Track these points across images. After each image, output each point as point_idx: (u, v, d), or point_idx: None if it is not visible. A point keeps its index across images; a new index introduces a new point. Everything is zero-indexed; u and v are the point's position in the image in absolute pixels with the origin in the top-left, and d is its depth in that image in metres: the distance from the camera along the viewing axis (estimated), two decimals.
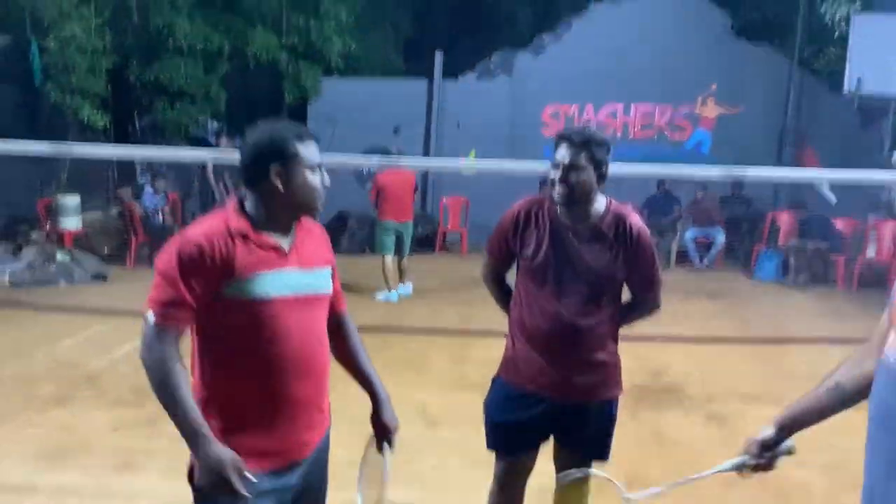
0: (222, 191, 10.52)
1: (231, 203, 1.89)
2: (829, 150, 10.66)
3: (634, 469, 3.85)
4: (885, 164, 11.05)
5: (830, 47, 12.13)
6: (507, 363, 2.58)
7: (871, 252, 9.31)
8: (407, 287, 8.05)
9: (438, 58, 11.55)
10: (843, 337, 6.60)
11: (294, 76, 11.45)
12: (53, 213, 9.28)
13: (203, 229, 1.79)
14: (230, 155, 9.64)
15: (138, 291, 7.20)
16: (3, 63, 10.28)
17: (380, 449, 2.13)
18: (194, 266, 1.75)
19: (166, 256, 1.78)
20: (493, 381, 2.64)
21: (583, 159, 2.32)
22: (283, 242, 1.87)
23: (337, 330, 2.09)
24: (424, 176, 11.53)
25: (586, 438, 2.55)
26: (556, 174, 2.37)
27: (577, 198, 2.37)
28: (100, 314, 6.75)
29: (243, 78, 12.13)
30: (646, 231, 2.48)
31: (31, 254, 8.25)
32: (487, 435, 2.61)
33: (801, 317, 7.51)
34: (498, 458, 2.62)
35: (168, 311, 1.76)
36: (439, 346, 6.10)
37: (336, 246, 9.05)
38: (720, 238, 10.14)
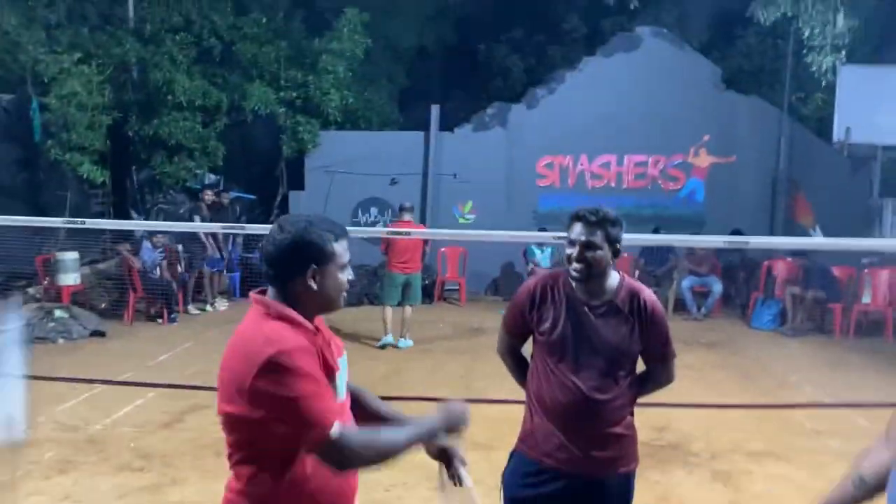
0: (213, 245, 10.55)
1: (273, 304, 1.82)
2: (821, 197, 10.82)
3: None
4: (874, 209, 11.26)
5: (818, 94, 12.41)
6: (526, 436, 2.60)
7: (866, 299, 9.39)
8: (407, 342, 8.13)
9: (434, 111, 11.73)
10: (845, 389, 6.66)
11: (292, 129, 11.58)
12: (52, 269, 9.29)
13: (296, 335, 1.75)
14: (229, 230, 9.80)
15: (137, 349, 7.24)
16: (4, 120, 10.39)
17: (453, 477, 2.10)
18: (318, 369, 1.74)
19: (297, 371, 1.68)
20: (511, 454, 2.65)
21: (599, 238, 2.42)
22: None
23: (353, 400, 2.04)
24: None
25: None
26: (573, 251, 2.45)
27: (593, 274, 2.45)
28: (100, 373, 6.71)
29: (241, 132, 12.29)
30: (660, 306, 2.57)
31: (29, 311, 8.22)
32: None
33: (801, 367, 7.52)
34: None
35: (338, 415, 1.74)
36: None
37: None
38: (717, 287, 10.20)
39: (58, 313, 8.26)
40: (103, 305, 9.86)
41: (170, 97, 10.89)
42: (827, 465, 4.84)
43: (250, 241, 11.58)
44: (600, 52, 11.81)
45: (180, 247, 10.80)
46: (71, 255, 9.34)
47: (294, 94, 11.62)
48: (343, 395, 1.85)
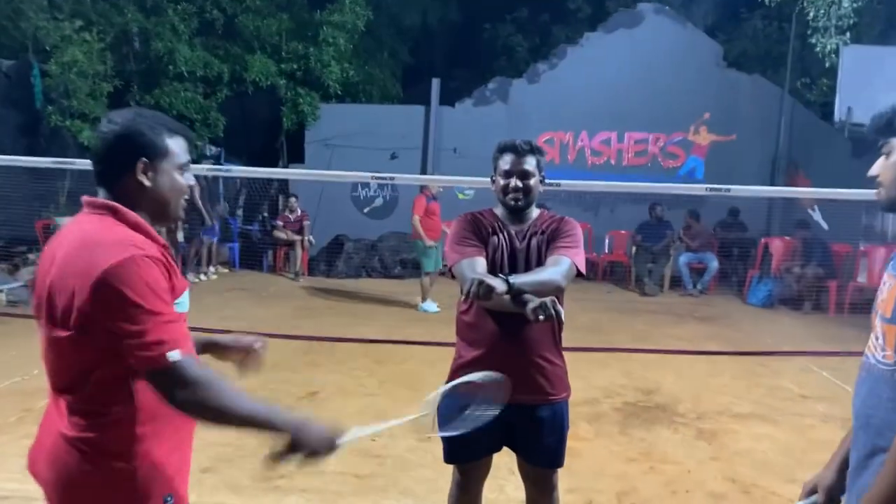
0: (209, 211, 10.61)
1: (125, 211, 1.60)
2: (821, 178, 10.77)
3: (625, 485, 3.89)
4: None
5: (822, 79, 12.37)
6: (457, 369, 2.60)
7: (862, 278, 9.40)
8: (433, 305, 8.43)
9: (435, 85, 11.73)
10: (832, 356, 6.69)
11: (292, 102, 11.59)
12: (51, 234, 9.33)
13: (144, 243, 1.56)
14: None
15: None
16: (5, 86, 10.42)
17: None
18: (163, 283, 1.54)
19: (137, 285, 1.47)
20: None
21: (532, 165, 2.55)
22: None
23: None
24: None
25: (538, 444, 2.59)
26: (509, 181, 2.54)
27: (529, 202, 2.57)
28: None
29: (242, 104, 12.29)
30: (575, 223, 2.63)
31: (29, 273, 8.29)
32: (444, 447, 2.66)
33: (791, 340, 7.56)
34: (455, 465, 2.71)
35: (185, 341, 1.56)
36: (433, 363, 6.13)
37: (333, 269, 9.22)
38: (713, 263, 10.22)
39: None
40: None
41: (171, 67, 10.92)
42: (812, 427, 4.89)
43: (250, 212, 11.64)
44: (602, 28, 11.78)
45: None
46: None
47: (295, 66, 11.63)
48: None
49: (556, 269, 2.40)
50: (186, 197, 1.71)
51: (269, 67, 11.38)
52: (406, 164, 11.43)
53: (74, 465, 1.58)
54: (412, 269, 10.26)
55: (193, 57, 11.02)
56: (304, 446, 1.58)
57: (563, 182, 5.91)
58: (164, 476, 1.65)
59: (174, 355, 1.49)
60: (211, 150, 12.41)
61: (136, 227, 1.60)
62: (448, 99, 11.95)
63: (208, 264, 10.79)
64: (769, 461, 4.29)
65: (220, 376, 1.55)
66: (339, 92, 11.99)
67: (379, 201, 12.07)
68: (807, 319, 8.90)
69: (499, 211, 2.63)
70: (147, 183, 1.61)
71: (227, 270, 10.97)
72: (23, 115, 10.47)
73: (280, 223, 11.00)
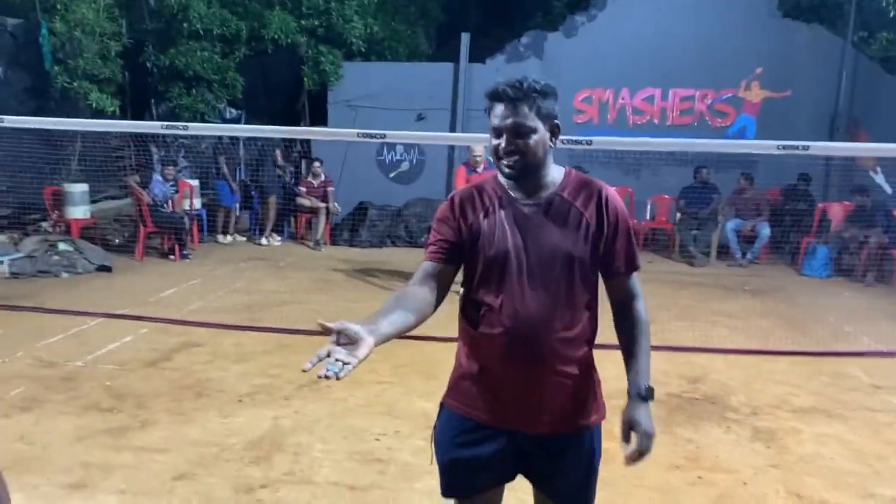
0: (230, 181, 10.25)
1: None
2: (885, 138, 9.81)
3: (667, 500, 3.28)
4: None
5: (884, 33, 11.32)
6: (454, 385, 2.02)
7: None
8: None
9: (465, 40, 10.96)
10: None
11: (314, 60, 10.96)
12: (60, 201, 8.95)
13: None
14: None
15: (141, 284, 6.86)
16: (12, 47, 9.97)
17: None
18: None
19: None
20: (441, 406, 2.06)
21: (530, 117, 1.81)
22: None
23: None
24: (449, 168, 11.00)
25: (561, 480, 1.97)
26: (499, 141, 1.85)
27: (530, 166, 1.85)
28: (93, 309, 6.32)
29: (261, 63, 11.71)
30: (621, 202, 1.94)
31: (33, 243, 7.88)
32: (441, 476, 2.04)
33: (857, 318, 6.78)
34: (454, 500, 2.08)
35: None
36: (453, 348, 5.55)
37: (356, 237, 8.62)
38: (765, 231, 9.41)
39: (62, 246, 7.90)
40: (117, 241, 9.55)
41: (186, 25, 10.33)
42: (889, 426, 4.21)
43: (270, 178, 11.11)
44: None
45: (196, 182, 10.43)
46: (80, 188, 8.98)
47: (316, 23, 10.95)
48: None
49: (645, 318, 1.98)
50: None
51: (288, 24, 10.72)
52: (434, 125, 10.74)
53: None
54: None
55: (209, 14, 10.41)
56: None
57: (597, 139, 5.19)
58: None
59: None
60: (231, 112, 11.90)
61: None
62: (480, 56, 11.18)
63: (225, 233, 10.36)
64: (839, 469, 3.64)
65: None
66: (363, 49, 11.31)
67: (405, 165, 11.44)
68: (869, 292, 8.09)
69: (504, 178, 1.95)
70: None
71: (244, 239, 10.52)
72: (31, 77, 10.02)
73: (303, 189, 10.46)
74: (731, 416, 4.31)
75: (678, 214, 9.90)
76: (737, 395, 4.64)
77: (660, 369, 5.07)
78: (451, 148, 10.99)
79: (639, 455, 1.85)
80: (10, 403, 4.21)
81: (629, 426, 1.87)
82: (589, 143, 4.95)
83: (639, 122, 10.80)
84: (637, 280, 1.99)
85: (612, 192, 1.93)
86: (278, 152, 10.90)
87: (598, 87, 10.82)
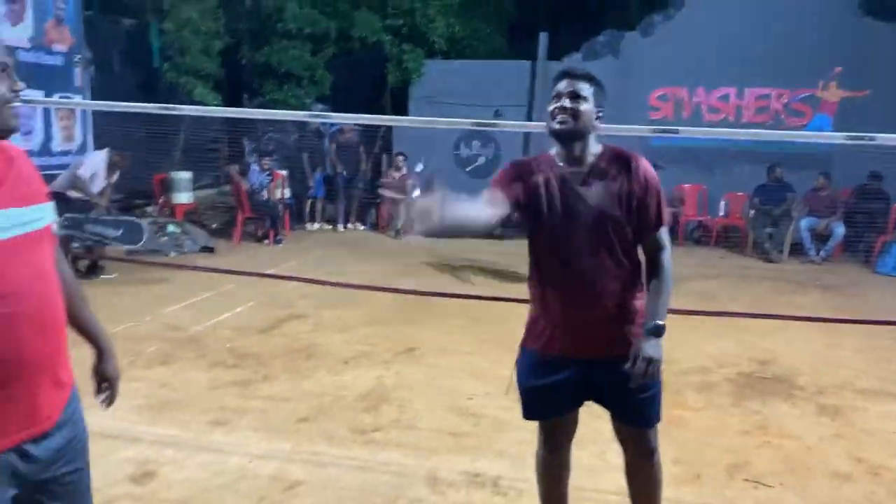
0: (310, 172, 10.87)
1: None
2: None
3: (737, 458, 3.63)
4: None
5: None
6: (529, 327, 2.46)
7: None
8: None
9: (543, 39, 11.33)
10: None
11: (397, 58, 11.51)
12: (167, 188, 9.73)
13: None
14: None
15: (241, 263, 7.51)
16: (126, 45, 10.83)
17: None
18: None
19: None
20: (520, 347, 2.51)
21: (585, 89, 2.26)
22: None
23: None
24: (525, 152, 11.36)
25: (627, 400, 2.37)
26: (557, 103, 2.26)
27: (578, 129, 2.25)
28: (205, 283, 6.99)
29: (348, 61, 12.32)
30: (653, 170, 2.34)
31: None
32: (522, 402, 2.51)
33: None
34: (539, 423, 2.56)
35: None
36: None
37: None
38: (839, 230, 9.48)
39: (170, 228, 8.64)
40: (214, 226, 10.29)
41: (280, 25, 11.03)
42: None
43: (353, 171, 11.68)
44: None
45: (285, 172, 11.09)
46: (185, 175, 9.75)
47: (400, 22, 11.51)
48: None
49: (668, 267, 2.35)
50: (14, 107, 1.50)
51: (374, 24, 11.32)
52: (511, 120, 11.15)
53: None
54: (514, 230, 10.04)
55: (302, 14, 11.09)
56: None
57: (681, 129, 5.53)
58: None
59: None
60: (318, 107, 12.55)
61: None
62: (555, 54, 11.53)
63: (312, 221, 10.99)
64: None
65: None
66: (445, 48, 11.80)
67: (482, 160, 11.88)
68: None
69: (554, 151, 2.37)
70: None
71: (329, 227, 11.13)
72: (142, 73, 10.88)
73: (385, 181, 11.02)
74: (798, 393, 4.60)
75: (751, 211, 10.04)
76: (804, 377, 4.91)
77: (731, 352, 5.38)
78: (526, 143, 11.38)
79: (641, 375, 2.22)
80: (148, 358, 4.84)
81: (635, 353, 2.26)
82: (675, 132, 5.31)
83: (714, 120, 10.97)
84: (665, 234, 2.37)
85: (643, 160, 2.33)
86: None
87: (673, 85, 11.03)
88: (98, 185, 7.44)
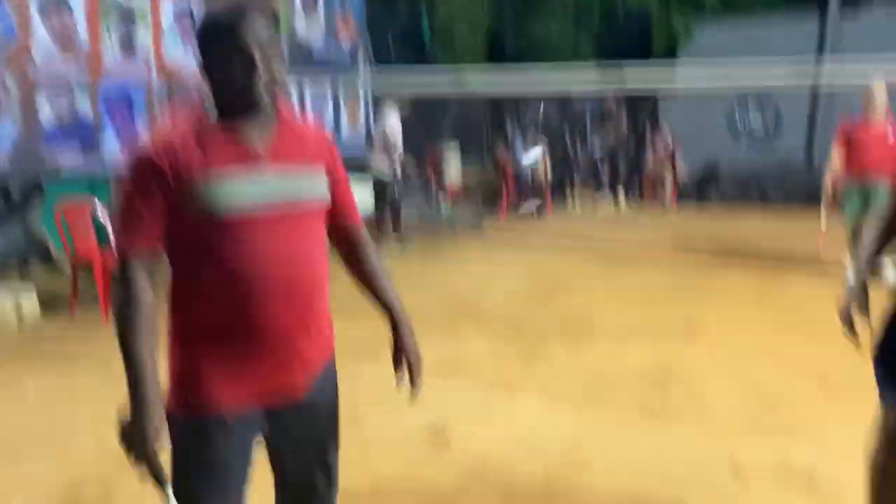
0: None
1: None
2: None
3: None
4: None
5: None
6: None
7: None
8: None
9: None
10: None
11: (664, 23, 10.97)
12: (439, 166, 10.22)
13: (155, 133, 1.51)
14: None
15: (509, 240, 7.73)
16: (402, 28, 11.54)
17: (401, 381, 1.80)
18: (146, 177, 1.43)
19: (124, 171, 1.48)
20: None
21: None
22: (251, 141, 1.50)
23: (350, 249, 1.76)
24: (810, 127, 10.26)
25: None
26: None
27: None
28: (477, 258, 7.27)
29: (611, 32, 11.99)
30: None
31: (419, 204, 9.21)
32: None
33: None
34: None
35: (129, 235, 1.45)
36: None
37: (705, 199, 8.54)
38: None
39: (444, 208, 9.13)
40: (479, 203, 10.63)
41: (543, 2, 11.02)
42: None
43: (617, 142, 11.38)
44: None
45: (546, 150, 11.13)
46: (455, 156, 10.22)
47: None
48: (235, 203, 1.45)
49: None
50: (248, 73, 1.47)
51: None
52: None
53: None
54: (800, 201, 9.11)
55: None
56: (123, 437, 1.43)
57: None
58: None
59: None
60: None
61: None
62: (850, 3, 10.19)
63: (572, 196, 10.90)
64: None
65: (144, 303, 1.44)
66: (716, 6, 11.02)
67: (758, 124, 10.94)
68: None
69: None
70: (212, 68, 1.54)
71: (590, 204, 10.99)
72: (414, 53, 11.52)
73: (651, 152, 10.63)
74: None
75: None
76: None
77: None
78: (814, 106, 10.25)
79: None
80: (433, 324, 5.03)
81: None
82: None
83: None
84: None
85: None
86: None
87: None
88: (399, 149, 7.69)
